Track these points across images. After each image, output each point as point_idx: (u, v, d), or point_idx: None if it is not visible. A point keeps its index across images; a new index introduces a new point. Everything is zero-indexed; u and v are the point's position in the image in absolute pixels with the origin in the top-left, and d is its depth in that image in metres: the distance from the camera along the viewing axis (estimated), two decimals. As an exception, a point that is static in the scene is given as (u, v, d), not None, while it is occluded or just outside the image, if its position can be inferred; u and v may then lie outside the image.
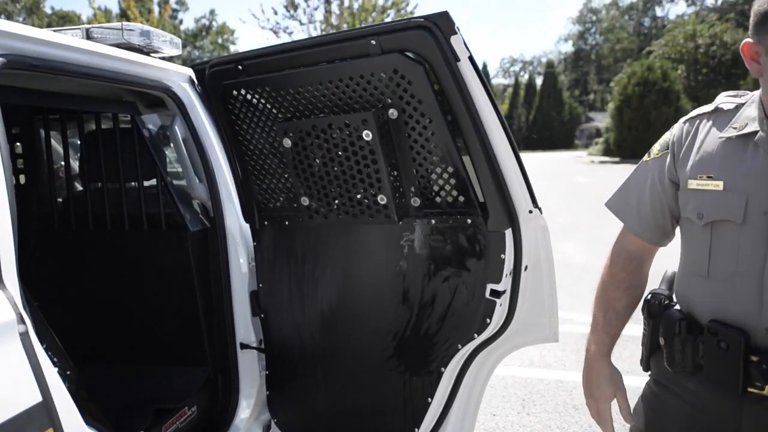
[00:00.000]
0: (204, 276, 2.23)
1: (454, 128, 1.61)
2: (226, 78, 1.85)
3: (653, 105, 29.70)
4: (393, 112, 1.64)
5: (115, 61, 1.84)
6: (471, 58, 1.54)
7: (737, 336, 1.21)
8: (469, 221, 1.70)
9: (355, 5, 19.25)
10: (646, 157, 1.45)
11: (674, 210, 1.39)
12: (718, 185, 1.25)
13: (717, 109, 1.33)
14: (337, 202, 1.80)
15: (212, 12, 35.68)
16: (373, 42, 1.57)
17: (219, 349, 2.22)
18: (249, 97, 1.83)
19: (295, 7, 20.45)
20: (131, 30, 2.07)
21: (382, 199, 1.70)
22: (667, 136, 1.40)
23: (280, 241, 2.04)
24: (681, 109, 27.39)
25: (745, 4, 39.45)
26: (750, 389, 1.21)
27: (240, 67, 1.81)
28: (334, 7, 19.57)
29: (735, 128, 1.26)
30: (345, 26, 18.52)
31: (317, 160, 1.76)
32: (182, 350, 2.37)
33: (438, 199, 1.73)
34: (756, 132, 1.23)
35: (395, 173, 1.70)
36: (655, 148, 1.43)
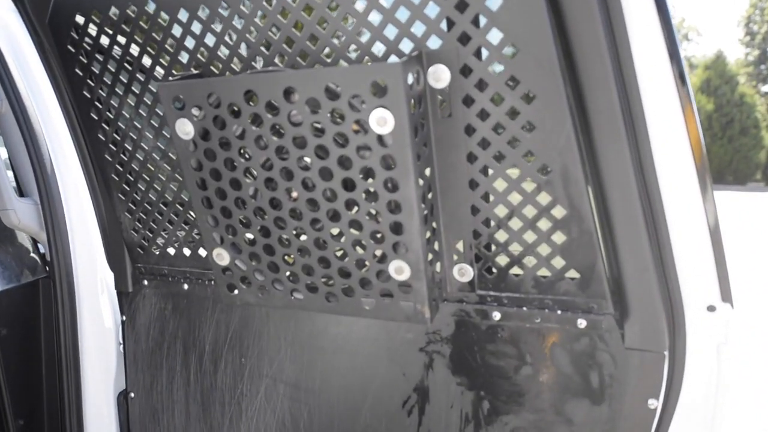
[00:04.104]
0: (22, 377, 1.23)
1: (582, 120, 0.72)
2: None
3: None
4: (439, 73, 0.72)
5: None
6: None
7: None
8: (581, 323, 0.82)
9: None
10: None
11: None
12: None
13: None
14: (292, 266, 0.87)
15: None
16: None
17: None
18: (111, 27, 0.87)
19: None
20: None
21: (399, 271, 0.78)
22: None
23: (172, 318, 1.08)
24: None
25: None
26: None
27: None
28: None
29: None
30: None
31: (253, 173, 0.83)
32: None
33: (516, 272, 0.83)
34: None
35: (428, 212, 0.79)
36: None
